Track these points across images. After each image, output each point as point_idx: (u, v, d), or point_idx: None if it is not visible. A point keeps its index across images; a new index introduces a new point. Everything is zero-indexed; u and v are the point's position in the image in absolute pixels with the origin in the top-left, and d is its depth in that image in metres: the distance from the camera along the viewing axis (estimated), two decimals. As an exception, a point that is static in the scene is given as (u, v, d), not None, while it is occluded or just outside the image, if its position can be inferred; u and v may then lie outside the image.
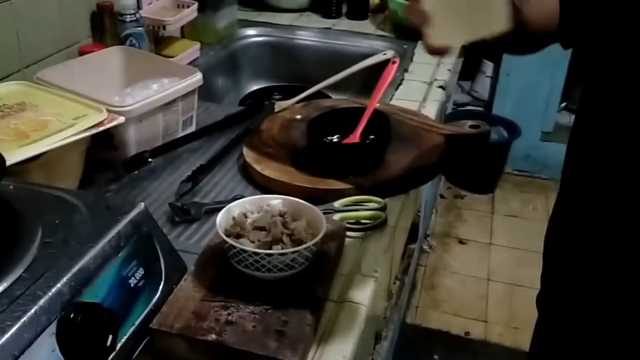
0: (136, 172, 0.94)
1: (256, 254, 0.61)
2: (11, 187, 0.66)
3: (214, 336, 0.57)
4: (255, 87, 1.58)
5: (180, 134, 1.03)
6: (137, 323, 0.59)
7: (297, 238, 0.65)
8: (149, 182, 0.93)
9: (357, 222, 0.81)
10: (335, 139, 0.96)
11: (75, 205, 0.63)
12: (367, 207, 0.83)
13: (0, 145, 0.76)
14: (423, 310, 1.95)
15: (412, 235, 1.66)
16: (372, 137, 0.93)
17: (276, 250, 0.62)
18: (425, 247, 2.18)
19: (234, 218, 0.68)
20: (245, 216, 0.68)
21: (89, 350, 0.51)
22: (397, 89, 1.25)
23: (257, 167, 0.91)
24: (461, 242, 2.28)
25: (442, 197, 2.49)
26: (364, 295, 0.69)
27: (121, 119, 0.87)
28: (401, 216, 0.88)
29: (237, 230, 0.66)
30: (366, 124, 0.94)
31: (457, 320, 1.92)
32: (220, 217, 0.66)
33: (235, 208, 0.68)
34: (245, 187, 0.92)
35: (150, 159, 0.94)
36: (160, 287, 0.63)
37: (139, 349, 0.60)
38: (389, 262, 0.84)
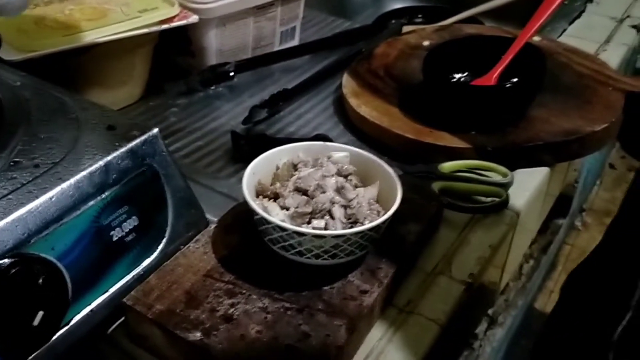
0: (213, 88, 0.78)
1: (282, 229, 0.42)
2: (18, 83, 0.53)
3: (198, 335, 0.40)
4: (398, 5, 1.33)
5: (277, 48, 0.84)
6: (112, 291, 0.43)
7: (353, 214, 0.44)
8: (225, 101, 0.76)
9: (465, 198, 0.58)
10: (462, 77, 0.71)
11: (74, 119, 0.48)
12: (485, 178, 0.60)
13: (42, 33, 0.63)
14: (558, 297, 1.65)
15: (562, 208, 1.36)
16: (515, 80, 0.67)
17: (313, 228, 0.43)
18: (578, 223, 1.83)
19: (277, 168, 0.49)
20: (295, 168, 0.49)
21: (9, 326, 0.37)
22: (572, 22, 0.95)
23: (353, 102, 0.70)
24: (625, 224, 1.89)
25: (611, 167, 2.07)
26: (443, 308, 0.48)
27: (193, 18, 0.70)
28: (535, 198, 0.63)
29: (276, 187, 0.47)
30: (511, 61, 0.68)
31: (599, 316, 1.59)
32: (256, 165, 0.47)
33: (281, 154, 0.49)
34: (334, 125, 0.72)
35: (232, 73, 0.78)
36: (160, 247, 0.47)
37: (115, 324, 0.45)
38: (500, 261, 0.61)
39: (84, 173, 0.42)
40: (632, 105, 0.69)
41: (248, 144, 0.65)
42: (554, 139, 0.63)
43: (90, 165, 0.43)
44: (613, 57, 0.85)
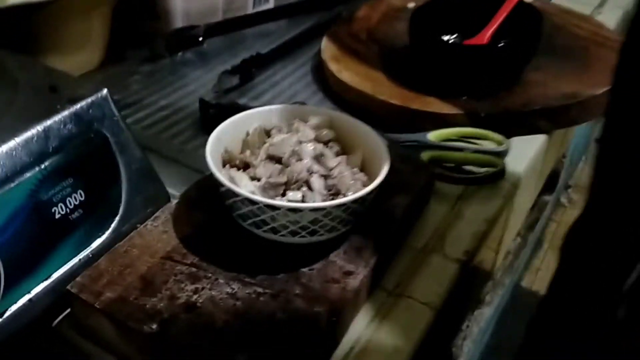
0: (180, 54, 0.71)
1: (252, 202, 0.36)
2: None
3: (154, 326, 0.34)
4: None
5: (250, 11, 0.78)
6: (55, 277, 0.37)
7: (334, 184, 0.39)
8: (193, 68, 0.70)
9: (456, 168, 0.53)
10: (451, 39, 0.65)
11: (15, 81, 0.42)
12: (479, 147, 0.54)
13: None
14: (545, 275, 1.62)
15: (549, 184, 1.32)
16: (508, 40, 0.61)
17: (288, 201, 0.37)
18: (564, 200, 1.80)
19: (247, 134, 0.43)
20: (268, 135, 0.43)
21: None
22: (566, -16, 0.89)
23: (333, 67, 0.65)
24: (611, 200, 1.86)
25: (598, 142, 2.04)
26: (437, 290, 0.42)
27: (155, -25, 0.64)
28: (533, 167, 0.58)
29: (245, 155, 0.41)
30: (504, 22, 0.62)
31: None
32: (222, 131, 0.41)
33: (252, 119, 0.43)
34: (313, 93, 0.66)
35: (201, 38, 0.71)
36: (113, 225, 0.40)
37: (62, 316, 0.39)
38: (497, 236, 0.56)
39: (18, 140, 0.36)
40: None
41: (218, 114, 0.59)
42: (552, 103, 0.58)
43: (27, 131, 0.37)
44: (608, 20, 0.80)
